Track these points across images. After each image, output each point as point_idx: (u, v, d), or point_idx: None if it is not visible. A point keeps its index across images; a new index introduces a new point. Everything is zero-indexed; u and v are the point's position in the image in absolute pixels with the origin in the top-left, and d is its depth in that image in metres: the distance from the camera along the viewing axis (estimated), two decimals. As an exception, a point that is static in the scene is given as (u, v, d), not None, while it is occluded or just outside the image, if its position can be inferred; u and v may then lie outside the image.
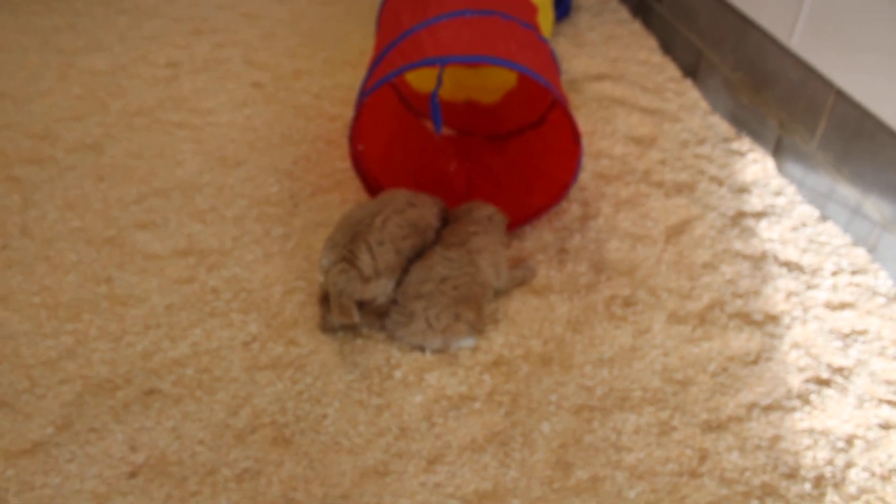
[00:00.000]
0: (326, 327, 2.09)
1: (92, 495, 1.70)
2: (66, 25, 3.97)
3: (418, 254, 2.16)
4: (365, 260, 2.01)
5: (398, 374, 1.99)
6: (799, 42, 2.55)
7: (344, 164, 2.79)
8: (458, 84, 3.12)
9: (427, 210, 2.21)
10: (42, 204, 2.60)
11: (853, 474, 1.75)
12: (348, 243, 2.03)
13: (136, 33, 3.88)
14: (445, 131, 2.94)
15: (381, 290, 2.05)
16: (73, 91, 3.32)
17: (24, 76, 3.44)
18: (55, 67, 3.52)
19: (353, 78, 3.39)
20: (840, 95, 2.38)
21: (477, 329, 2.06)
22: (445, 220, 2.30)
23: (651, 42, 3.68)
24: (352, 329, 2.10)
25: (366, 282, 2.01)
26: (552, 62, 2.43)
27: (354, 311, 1.98)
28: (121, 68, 3.53)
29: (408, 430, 1.85)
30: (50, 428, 1.85)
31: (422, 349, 2.04)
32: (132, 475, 1.75)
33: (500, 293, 2.21)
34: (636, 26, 3.85)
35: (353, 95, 3.24)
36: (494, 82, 3.10)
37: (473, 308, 2.03)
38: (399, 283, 2.09)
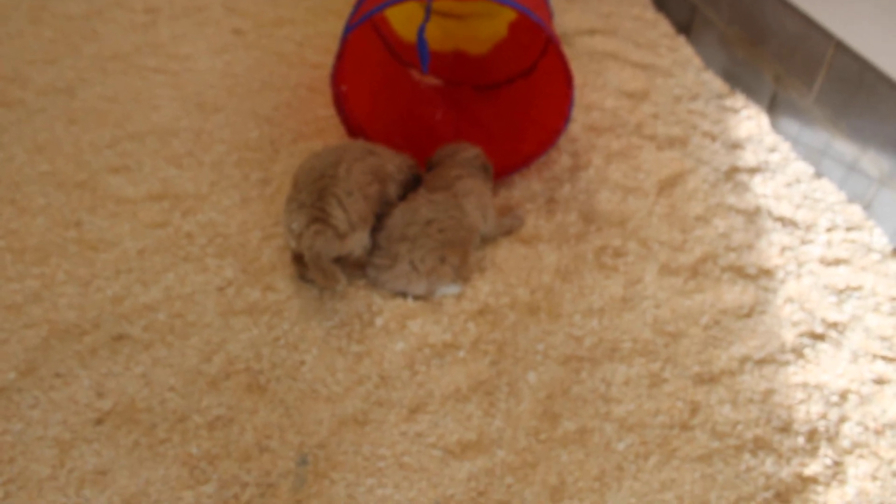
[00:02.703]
0: (305, 277, 2.00)
1: (55, 442, 1.62)
2: (39, -31, 3.81)
3: (382, 204, 2.06)
4: (338, 216, 1.90)
5: (379, 321, 1.91)
6: (799, -8, 2.47)
7: (326, 111, 2.68)
8: (446, 34, 3.01)
9: (387, 160, 2.10)
10: (9, 147, 2.48)
11: (847, 428, 1.70)
12: (317, 201, 1.91)
13: (112, -22, 3.73)
14: (433, 81, 2.84)
15: (357, 243, 1.96)
16: (45, 34, 3.18)
17: (-8, 18, 3.30)
18: (26, 10, 3.37)
19: (336, 27, 3.27)
20: (840, 47, 2.30)
21: (462, 275, 1.98)
22: (418, 178, 2.20)
23: (645, -2, 3.58)
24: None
25: (342, 238, 1.91)
26: (544, 3, 2.33)
27: (339, 274, 1.87)
28: (96, 13, 3.38)
29: (388, 379, 1.78)
30: (12, 373, 1.76)
31: (404, 296, 1.96)
32: (98, 422, 1.67)
33: (487, 240, 2.13)
34: (630, -18, 3.74)
35: (336, 44, 3.12)
36: (484, 33, 3.00)
37: (459, 252, 1.95)
38: (374, 231, 2.01)
